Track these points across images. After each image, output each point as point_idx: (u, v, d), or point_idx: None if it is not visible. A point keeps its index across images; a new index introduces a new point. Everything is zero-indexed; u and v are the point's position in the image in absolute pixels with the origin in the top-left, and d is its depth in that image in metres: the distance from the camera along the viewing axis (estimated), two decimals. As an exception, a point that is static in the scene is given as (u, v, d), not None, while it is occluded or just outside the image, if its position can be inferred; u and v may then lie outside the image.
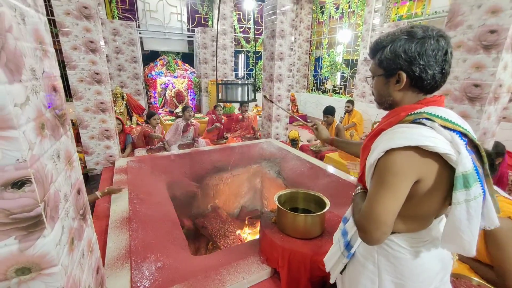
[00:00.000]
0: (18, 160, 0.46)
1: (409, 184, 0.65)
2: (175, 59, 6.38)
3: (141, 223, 1.81)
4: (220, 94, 2.21)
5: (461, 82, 1.91)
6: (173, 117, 5.47)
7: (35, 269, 0.52)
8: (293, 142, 4.27)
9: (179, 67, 6.37)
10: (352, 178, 2.47)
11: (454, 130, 0.66)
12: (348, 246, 0.87)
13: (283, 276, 1.36)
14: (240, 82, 2.28)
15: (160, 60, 6.19)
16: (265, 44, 3.87)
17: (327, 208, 1.47)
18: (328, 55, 7.14)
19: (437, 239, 0.77)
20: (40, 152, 0.53)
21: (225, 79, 3.31)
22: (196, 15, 6.59)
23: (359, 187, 0.86)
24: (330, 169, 2.76)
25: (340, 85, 7.13)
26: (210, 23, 6.76)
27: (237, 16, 7.02)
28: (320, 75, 7.63)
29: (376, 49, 0.76)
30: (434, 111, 0.68)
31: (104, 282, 0.94)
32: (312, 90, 8.07)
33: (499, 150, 2.15)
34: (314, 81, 8.01)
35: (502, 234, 1.08)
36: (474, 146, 0.69)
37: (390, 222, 0.66)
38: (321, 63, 7.47)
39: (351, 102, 4.97)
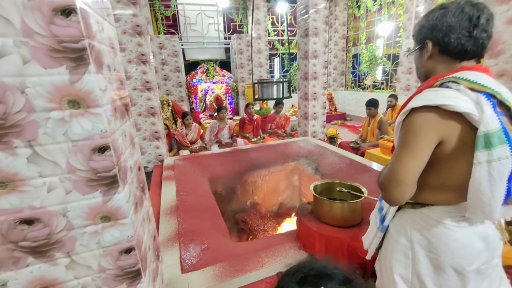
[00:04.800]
0: (102, 131, 0.61)
1: (429, 144, 0.66)
2: (213, 66, 6.79)
3: (187, 212, 2.00)
4: (256, 94, 2.33)
5: (520, 60, 1.71)
6: (214, 120, 5.81)
7: (113, 218, 0.67)
8: (331, 140, 4.18)
9: (217, 74, 6.75)
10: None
11: (481, 92, 0.64)
12: (382, 220, 0.89)
13: (320, 261, 1.38)
14: (275, 80, 2.38)
15: (200, 68, 6.65)
16: (299, 43, 3.91)
17: (364, 195, 1.45)
18: (367, 50, 6.83)
19: None
20: (114, 127, 0.69)
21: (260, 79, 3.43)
22: (231, 23, 6.94)
23: None
24: (371, 164, 2.65)
25: (382, 80, 6.75)
26: (245, 29, 7.04)
27: (271, 20, 7.17)
28: (359, 71, 7.32)
29: (414, 30, 0.82)
30: (462, 75, 0.68)
31: (159, 250, 1.09)
32: (351, 87, 7.77)
33: None
34: (353, 78, 7.70)
35: None
36: (508, 110, 0.67)
37: (409, 181, 0.67)
38: (359, 59, 7.16)
39: (394, 96, 4.67)
